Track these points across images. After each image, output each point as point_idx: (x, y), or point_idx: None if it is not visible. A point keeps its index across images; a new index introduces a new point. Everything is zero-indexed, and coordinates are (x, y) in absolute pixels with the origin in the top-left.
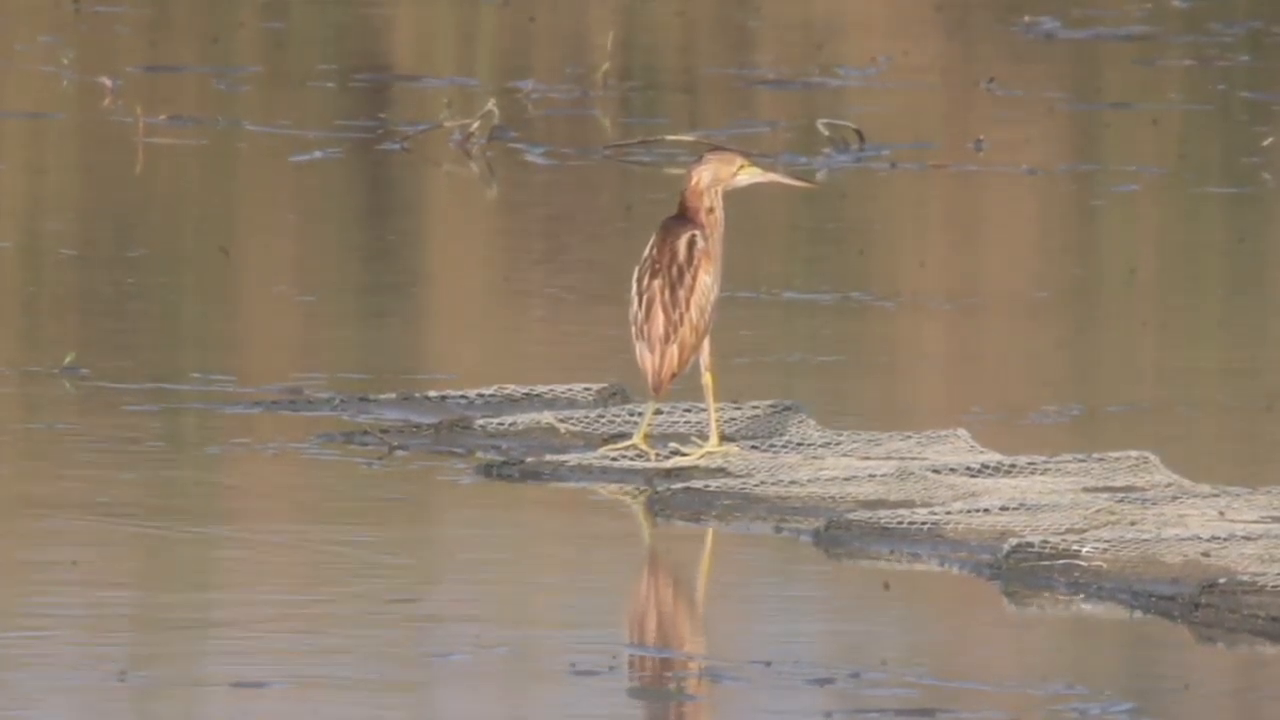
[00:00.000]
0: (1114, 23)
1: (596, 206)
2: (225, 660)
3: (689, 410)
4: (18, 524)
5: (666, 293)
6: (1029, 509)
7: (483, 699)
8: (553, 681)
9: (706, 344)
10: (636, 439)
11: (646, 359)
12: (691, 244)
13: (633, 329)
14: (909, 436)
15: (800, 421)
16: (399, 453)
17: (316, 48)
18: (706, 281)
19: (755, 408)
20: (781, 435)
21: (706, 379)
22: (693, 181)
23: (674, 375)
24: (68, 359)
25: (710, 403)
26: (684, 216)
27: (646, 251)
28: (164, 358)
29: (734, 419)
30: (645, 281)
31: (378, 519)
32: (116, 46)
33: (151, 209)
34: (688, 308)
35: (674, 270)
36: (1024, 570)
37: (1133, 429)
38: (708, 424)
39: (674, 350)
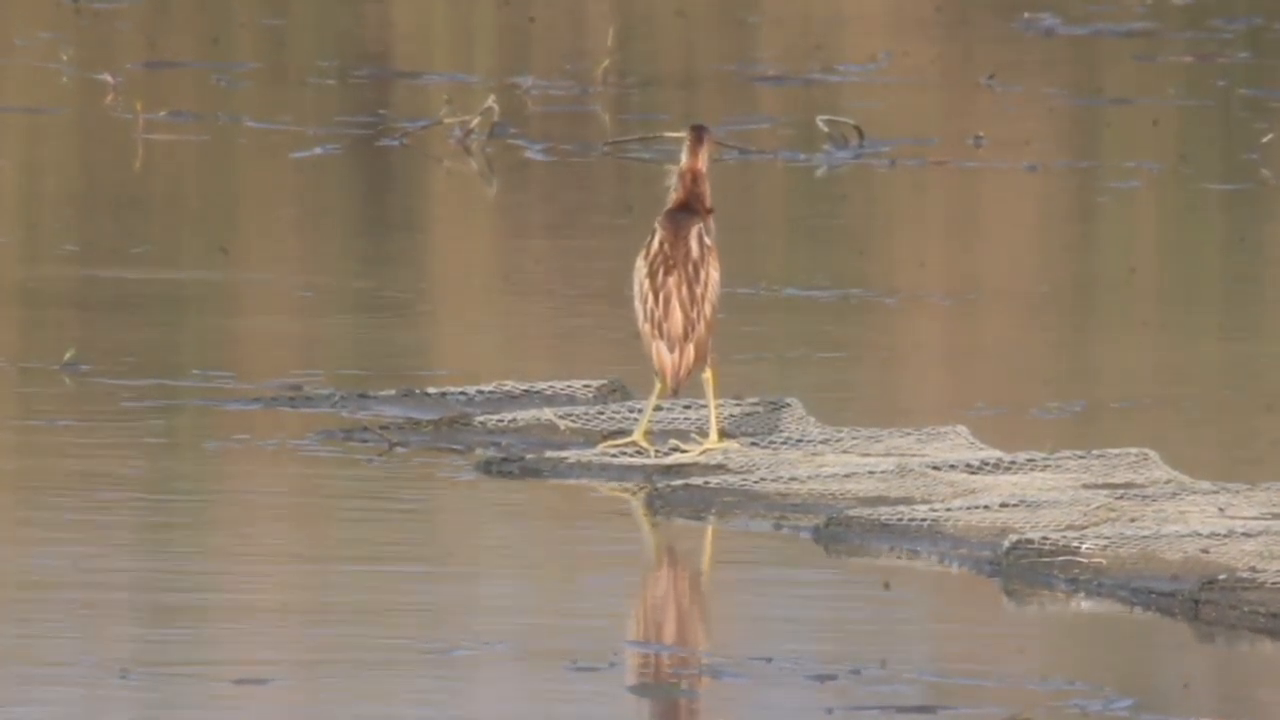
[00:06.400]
0: (1114, 19)
1: (596, 203)
2: (227, 656)
3: (689, 407)
4: (17, 520)
5: (684, 290)
6: (1029, 506)
7: (483, 695)
8: (553, 677)
9: None
10: (637, 435)
11: (666, 358)
12: (701, 239)
13: (647, 327)
14: (909, 433)
15: (800, 418)
16: (399, 449)
17: (316, 44)
18: (716, 277)
19: (755, 404)
20: (781, 432)
21: (707, 375)
22: (698, 163)
23: (690, 373)
24: (67, 355)
25: (710, 399)
26: (686, 207)
27: (655, 245)
28: (164, 354)
29: (734, 415)
30: (660, 278)
31: (378, 516)
32: (116, 43)
33: (152, 205)
34: (703, 304)
35: (689, 267)
36: (1024, 567)
37: (1132, 425)
38: (708, 420)
39: (691, 348)
